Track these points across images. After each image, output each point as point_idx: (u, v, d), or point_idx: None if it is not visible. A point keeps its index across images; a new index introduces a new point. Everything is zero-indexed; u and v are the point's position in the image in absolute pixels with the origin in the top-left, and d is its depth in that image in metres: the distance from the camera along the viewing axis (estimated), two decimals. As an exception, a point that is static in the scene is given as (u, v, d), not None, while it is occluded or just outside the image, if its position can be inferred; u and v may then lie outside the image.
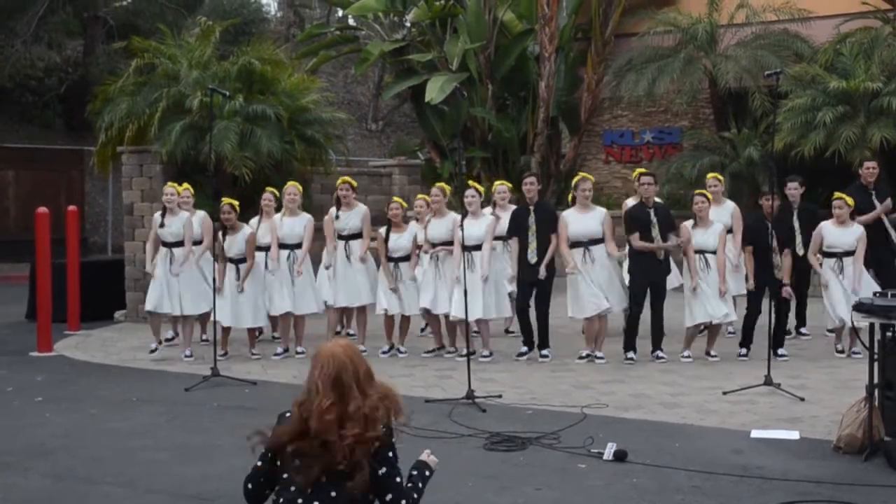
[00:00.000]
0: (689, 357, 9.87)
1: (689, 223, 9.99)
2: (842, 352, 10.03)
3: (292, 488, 3.56)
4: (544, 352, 10.12)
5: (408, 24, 21.27)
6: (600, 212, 10.04)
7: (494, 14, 19.14)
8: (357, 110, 28.76)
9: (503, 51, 19.21)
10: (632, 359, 9.85)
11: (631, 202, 10.72)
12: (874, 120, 14.39)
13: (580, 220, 9.90)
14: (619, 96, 17.75)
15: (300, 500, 3.54)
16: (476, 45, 18.74)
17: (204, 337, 11.40)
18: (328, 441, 3.52)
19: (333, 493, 3.53)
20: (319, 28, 24.29)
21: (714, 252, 9.82)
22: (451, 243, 10.13)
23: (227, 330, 10.43)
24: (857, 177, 11.28)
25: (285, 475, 3.60)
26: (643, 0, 18.39)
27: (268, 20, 31.57)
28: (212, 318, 10.01)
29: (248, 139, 13.84)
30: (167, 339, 11.24)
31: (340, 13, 28.33)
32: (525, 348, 10.23)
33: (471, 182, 10.89)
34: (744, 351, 10.00)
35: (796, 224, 10.37)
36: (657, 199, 10.19)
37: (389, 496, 3.58)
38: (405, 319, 10.69)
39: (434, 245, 10.30)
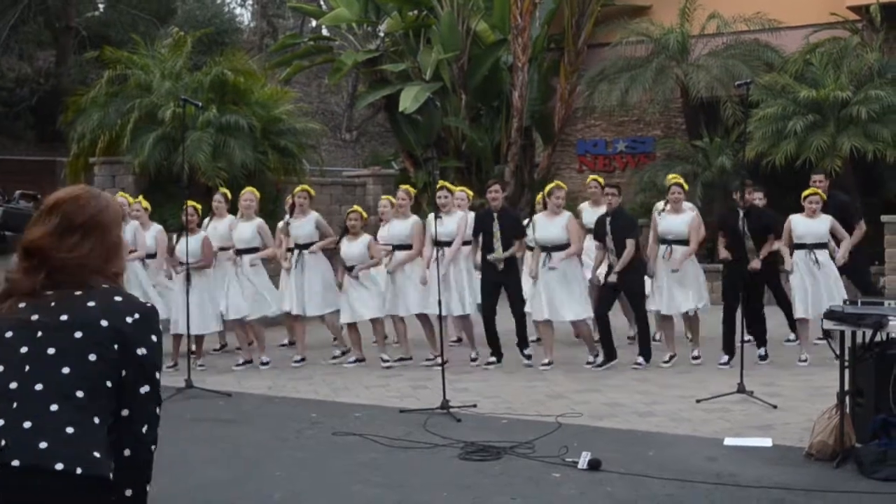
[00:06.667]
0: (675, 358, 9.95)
1: (658, 205, 10.07)
2: (805, 360, 9.85)
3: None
4: (526, 352, 10.14)
5: (381, 35, 21.27)
6: (564, 215, 9.99)
7: (468, 24, 19.20)
8: (331, 120, 28.72)
9: (476, 61, 19.27)
10: (612, 364, 9.91)
11: (585, 206, 10.96)
12: (844, 129, 14.52)
13: (546, 225, 9.94)
14: (592, 106, 17.83)
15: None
16: (449, 55, 18.79)
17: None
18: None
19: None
20: (293, 38, 24.27)
21: (682, 241, 9.79)
22: (410, 246, 10.19)
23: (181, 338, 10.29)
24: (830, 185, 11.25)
25: None
26: (615, 10, 18.51)
27: (241, 30, 31.51)
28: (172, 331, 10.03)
29: (221, 150, 13.83)
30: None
31: (314, 23, 28.31)
32: (493, 358, 10.21)
33: (442, 182, 10.90)
34: (725, 359, 9.77)
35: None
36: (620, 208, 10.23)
37: (126, 412, 2.59)
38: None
39: (393, 246, 10.28)
